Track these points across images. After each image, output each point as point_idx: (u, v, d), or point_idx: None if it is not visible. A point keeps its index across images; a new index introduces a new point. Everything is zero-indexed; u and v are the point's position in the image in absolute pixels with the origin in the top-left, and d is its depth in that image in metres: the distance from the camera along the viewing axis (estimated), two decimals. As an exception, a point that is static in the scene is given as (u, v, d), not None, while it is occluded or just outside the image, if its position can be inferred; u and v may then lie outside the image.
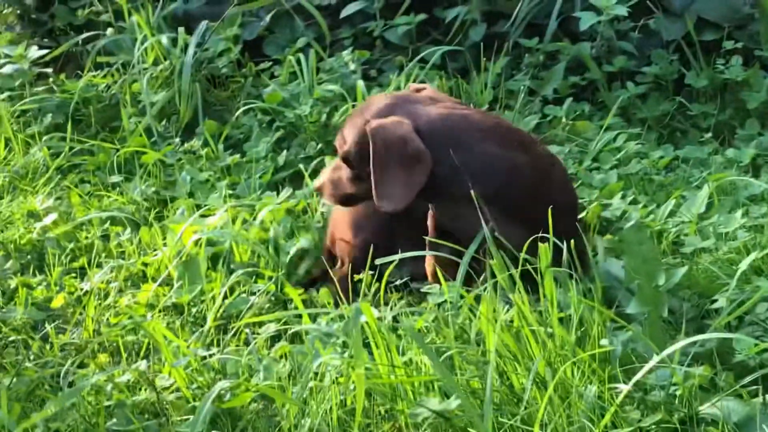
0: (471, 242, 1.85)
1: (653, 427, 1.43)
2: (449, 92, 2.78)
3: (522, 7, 2.95)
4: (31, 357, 1.89)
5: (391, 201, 1.84)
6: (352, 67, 2.99)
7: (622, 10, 2.77)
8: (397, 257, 1.78)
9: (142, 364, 1.76)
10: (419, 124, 1.87)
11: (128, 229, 2.39)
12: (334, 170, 2.01)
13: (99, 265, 2.23)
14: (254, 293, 2.02)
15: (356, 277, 2.01)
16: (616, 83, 2.85)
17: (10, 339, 1.98)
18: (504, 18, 3.04)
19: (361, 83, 2.71)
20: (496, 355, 1.57)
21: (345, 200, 2.01)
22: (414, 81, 2.83)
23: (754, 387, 1.50)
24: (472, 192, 1.82)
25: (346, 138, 1.94)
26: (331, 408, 1.56)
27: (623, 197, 2.28)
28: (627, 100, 2.77)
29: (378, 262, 1.80)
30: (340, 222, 2.16)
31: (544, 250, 1.60)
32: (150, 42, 3.10)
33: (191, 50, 3.03)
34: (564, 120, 2.69)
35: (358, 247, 2.09)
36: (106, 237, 2.40)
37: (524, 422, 1.47)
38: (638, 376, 1.41)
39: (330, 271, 2.07)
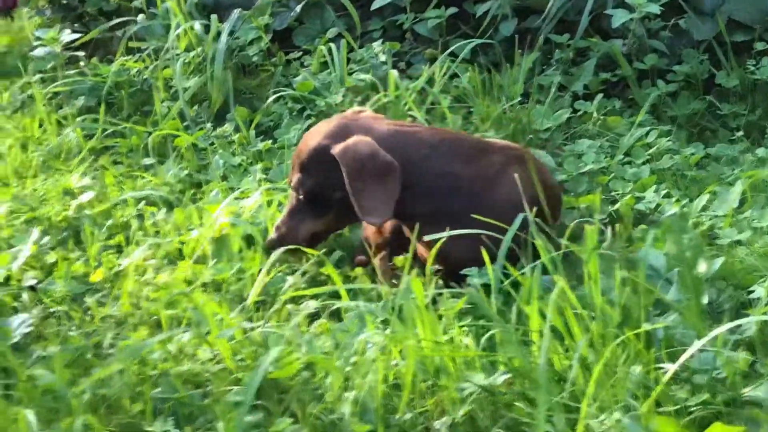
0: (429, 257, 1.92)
1: (698, 407, 1.45)
2: (480, 86, 2.80)
3: (554, 3, 2.97)
4: (73, 328, 1.91)
5: (374, 215, 1.92)
6: (383, 58, 3.01)
7: (655, 9, 2.79)
8: (444, 234, 1.79)
9: (185, 336, 1.78)
10: (376, 140, 1.95)
11: (163, 210, 2.42)
12: (289, 218, 2.05)
13: (136, 243, 2.25)
14: (292, 272, 2.04)
15: (395, 261, 2.03)
16: (646, 81, 2.87)
17: (51, 310, 2.00)
18: (535, 13, 3.07)
19: (394, 72, 2.73)
20: (538, 336, 1.60)
21: (313, 239, 2.05)
22: (445, 74, 2.85)
23: (795, 374, 1.53)
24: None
25: (300, 167, 2.01)
26: (375, 381, 1.57)
27: (656, 191, 2.30)
28: (657, 98, 2.79)
29: (427, 238, 1.81)
30: None
31: (590, 233, 1.62)
32: (183, 28, 3.13)
33: (224, 37, 3.06)
34: (595, 115, 2.71)
35: (388, 230, 2.11)
36: (140, 217, 2.42)
37: (569, 399, 1.49)
38: (685, 356, 1.43)
39: (369, 251, 2.09)
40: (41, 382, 1.64)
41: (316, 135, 2.03)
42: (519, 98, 2.74)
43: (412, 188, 1.94)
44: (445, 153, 1.98)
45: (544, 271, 1.72)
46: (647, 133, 2.58)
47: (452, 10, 3.10)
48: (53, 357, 1.72)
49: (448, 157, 1.97)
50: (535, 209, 1.83)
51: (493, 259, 1.78)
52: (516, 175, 1.92)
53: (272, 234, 2.07)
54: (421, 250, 1.98)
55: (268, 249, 2.04)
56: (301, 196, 2.04)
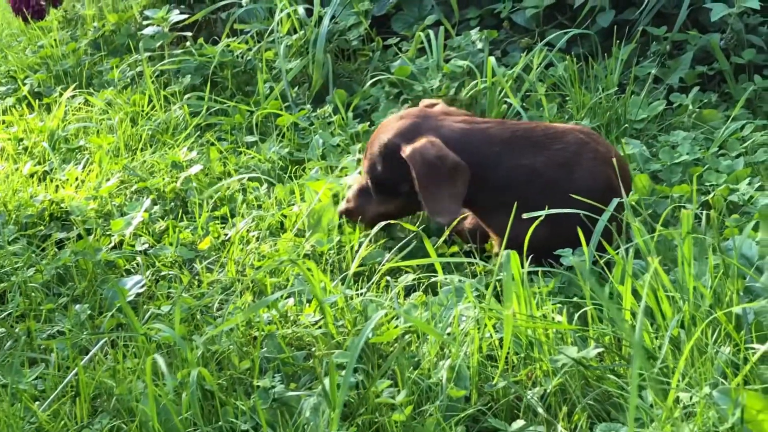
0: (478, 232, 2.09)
1: (786, 388, 1.49)
2: (576, 75, 2.85)
3: (652, -4, 3.00)
4: (184, 291, 2.02)
5: (444, 215, 2.00)
6: (480, 45, 3.07)
7: (755, 4, 2.80)
8: (543, 213, 1.85)
9: (290, 301, 1.88)
10: (445, 139, 2.03)
11: (265, 185, 2.52)
12: (359, 195, 2.18)
13: (240, 215, 2.36)
14: (389, 248, 2.12)
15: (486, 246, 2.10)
16: (743, 75, 2.88)
17: (162, 274, 2.11)
18: (632, 5, 3.10)
19: (492, 60, 2.79)
20: (629, 315, 1.65)
21: (377, 219, 2.15)
22: (541, 63, 2.90)
23: None
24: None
25: (372, 160, 2.12)
26: (471, 350, 1.65)
27: (750, 183, 2.33)
28: (753, 92, 2.80)
29: (525, 216, 1.87)
30: None
31: (686, 216, 1.67)
32: (287, 12, 3.23)
33: (326, 21, 3.15)
34: (690, 107, 2.74)
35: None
36: (244, 191, 2.53)
37: (660, 377, 1.54)
38: (776, 337, 1.47)
39: (465, 233, 2.15)
40: (157, 337, 1.75)
41: (387, 130, 2.11)
42: (615, 89, 2.78)
43: (486, 183, 2.01)
44: (516, 146, 2.03)
45: (637, 255, 1.78)
46: (742, 127, 2.60)
47: (550, 0, 3.14)
48: (169, 314, 1.83)
49: (520, 149, 2.02)
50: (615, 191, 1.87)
51: (572, 242, 1.84)
52: (592, 156, 1.98)
53: (342, 204, 2.21)
54: (494, 239, 2.07)
55: (340, 215, 2.20)
56: (370, 183, 2.14)
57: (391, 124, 2.13)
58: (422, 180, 2.00)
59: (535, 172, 2.00)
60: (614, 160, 1.99)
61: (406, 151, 2.03)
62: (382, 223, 2.12)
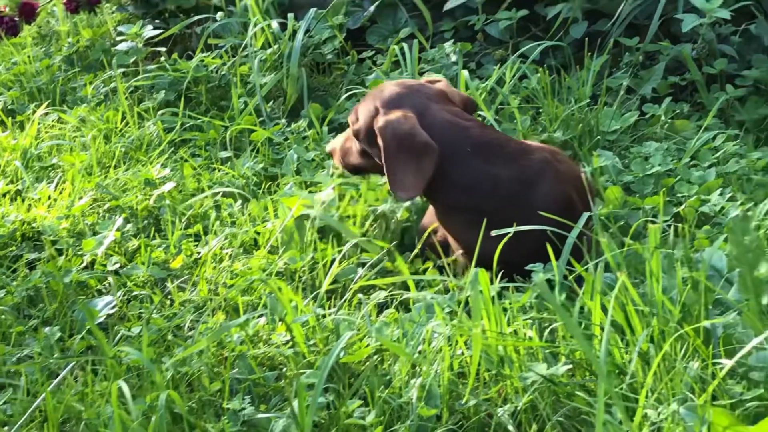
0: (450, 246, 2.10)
1: (752, 402, 1.49)
2: (549, 87, 2.85)
3: (624, 7, 3.01)
4: (155, 311, 2.01)
5: (404, 190, 2.02)
6: (454, 58, 3.08)
7: (725, 14, 2.81)
8: (511, 230, 1.85)
9: (261, 321, 1.87)
10: (424, 121, 2.04)
11: (239, 202, 2.51)
12: (346, 140, 2.23)
13: (213, 233, 2.35)
14: (362, 265, 2.12)
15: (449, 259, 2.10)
16: (715, 85, 2.90)
17: (134, 293, 2.11)
18: (605, 17, 3.11)
19: (465, 73, 2.79)
20: (599, 329, 1.65)
21: (352, 169, 2.23)
22: (514, 75, 2.91)
23: None
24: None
25: (359, 117, 2.14)
26: (441, 368, 1.65)
27: (721, 194, 2.34)
28: (726, 102, 2.82)
29: (494, 233, 1.88)
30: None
31: (654, 231, 1.67)
32: (260, 26, 3.23)
33: (300, 35, 3.15)
34: (663, 118, 2.75)
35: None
36: (217, 207, 2.52)
37: (628, 391, 1.55)
38: (742, 352, 1.48)
39: (437, 246, 2.15)
40: (127, 360, 1.74)
41: (376, 94, 2.15)
42: (587, 100, 2.79)
43: (449, 179, 2.03)
44: (489, 153, 2.04)
45: (607, 268, 1.78)
46: (714, 137, 2.61)
47: (523, 12, 3.15)
48: (138, 336, 1.82)
49: (491, 157, 2.04)
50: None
51: (530, 257, 1.85)
52: (552, 177, 2.02)
53: (333, 142, 2.30)
54: (450, 241, 2.08)
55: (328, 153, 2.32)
56: (352, 132, 2.18)
57: (382, 89, 2.16)
58: (388, 153, 2.02)
59: (499, 182, 2.02)
60: (583, 178, 2.00)
61: (379, 121, 2.04)
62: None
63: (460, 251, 2.07)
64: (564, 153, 2.25)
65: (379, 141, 2.03)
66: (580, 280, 1.83)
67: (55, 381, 1.75)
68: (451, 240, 2.10)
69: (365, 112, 2.13)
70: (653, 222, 1.79)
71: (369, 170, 2.22)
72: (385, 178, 2.08)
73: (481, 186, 2.02)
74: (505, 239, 1.88)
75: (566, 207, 2.00)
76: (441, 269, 2.13)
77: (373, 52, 3.31)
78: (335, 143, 2.27)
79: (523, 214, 1.95)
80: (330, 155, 2.31)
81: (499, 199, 2.02)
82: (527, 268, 1.92)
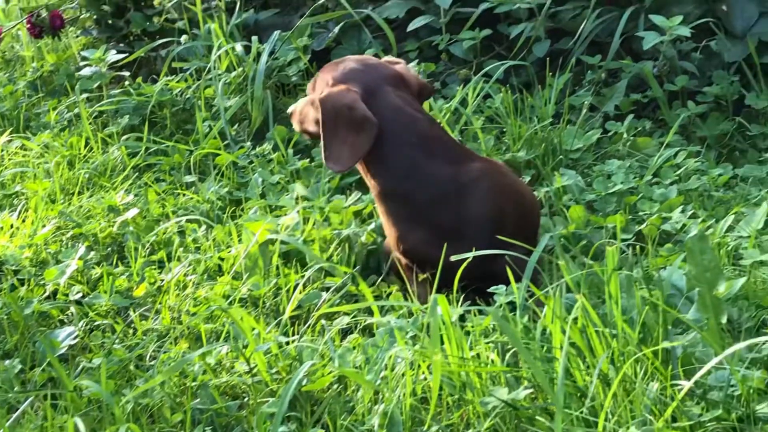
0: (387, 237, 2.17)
1: (712, 423, 1.50)
2: (513, 106, 2.86)
3: (586, 25, 3.03)
4: (117, 340, 2.00)
5: (337, 162, 2.04)
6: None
7: (685, 31, 2.84)
8: (470, 255, 1.86)
9: (223, 349, 1.87)
10: (373, 100, 2.06)
11: (203, 227, 2.50)
12: (305, 105, 2.22)
13: (177, 259, 2.34)
14: (326, 289, 2.12)
15: (420, 276, 2.10)
16: (676, 102, 2.92)
17: (96, 323, 2.09)
18: (567, 35, 3.13)
19: (428, 94, 2.79)
20: (560, 352, 1.66)
21: (307, 134, 2.24)
22: (478, 95, 2.92)
23: (810, 392, 1.58)
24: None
25: (316, 87, 2.18)
26: (404, 395, 1.64)
27: (683, 211, 2.35)
28: (687, 118, 2.84)
29: (453, 258, 1.88)
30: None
31: (611, 254, 1.68)
32: (225, 49, 3.23)
33: (264, 58, 3.15)
34: (625, 136, 2.77)
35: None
36: (182, 233, 2.51)
37: (589, 414, 1.55)
38: (700, 374, 1.49)
39: (400, 269, 2.16)
40: (87, 393, 1.73)
41: (333, 66, 2.18)
42: (550, 119, 2.80)
43: (388, 163, 2.06)
44: (433, 149, 2.07)
45: (570, 289, 1.79)
46: (676, 154, 2.63)
47: (486, 31, 3.17)
48: (99, 368, 1.81)
49: (434, 154, 2.06)
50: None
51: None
52: (488, 186, 2.05)
53: (295, 104, 2.28)
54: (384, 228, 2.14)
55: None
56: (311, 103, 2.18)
57: (340, 62, 2.18)
58: (327, 124, 2.04)
59: (433, 180, 2.05)
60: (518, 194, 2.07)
61: (323, 93, 2.08)
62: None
63: (393, 239, 2.10)
64: (509, 168, 2.27)
65: (318, 113, 2.07)
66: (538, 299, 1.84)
67: (14, 416, 1.74)
68: (384, 227, 2.14)
69: (321, 83, 2.17)
70: (610, 244, 1.80)
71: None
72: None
73: (415, 178, 2.05)
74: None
75: (496, 220, 2.03)
76: (405, 293, 2.13)
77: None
78: (296, 106, 2.27)
79: (451, 217, 2.01)
80: (290, 116, 2.32)
81: (430, 197, 2.04)
82: (490, 290, 1.92)
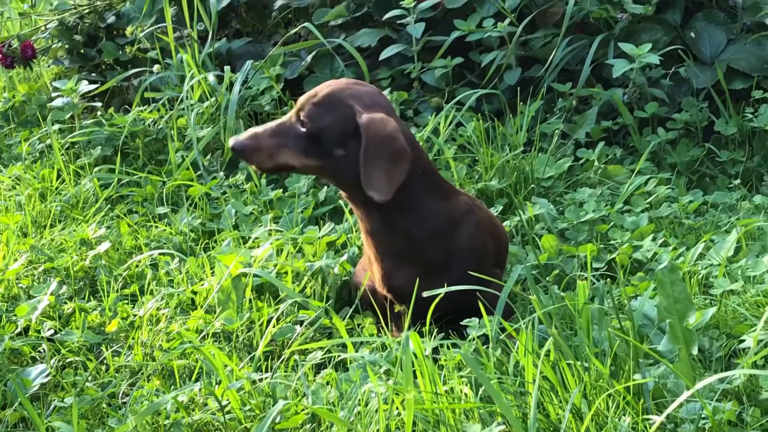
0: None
1: (684, 457, 1.51)
2: (484, 134, 2.88)
3: (556, 53, 3.06)
4: (89, 378, 1.99)
5: (378, 191, 1.93)
6: (391, 107, 3.09)
7: (654, 59, 2.86)
8: (443, 290, 1.87)
9: (196, 387, 1.86)
10: (400, 128, 2.00)
11: (176, 260, 2.50)
12: (272, 135, 2.00)
13: (150, 293, 2.33)
14: (300, 322, 2.12)
15: (396, 308, 2.11)
16: (647, 129, 2.95)
17: (68, 360, 2.08)
18: (538, 63, 3.15)
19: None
20: (532, 386, 1.66)
21: (278, 169, 2.02)
22: (450, 123, 2.93)
23: (781, 423, 1.59)
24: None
25: (322, 115, 1.96)
26: (378, 431, 1.64)
27: (654, 239, 2.37)
28: (658, 145, 2.86)
29: (425, 294, 1.89)
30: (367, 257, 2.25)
31: (582, 288, 1.69)
32: (197, 79, 3.23)
33: (237, 88, 3.15)
34: (596, 163, 2.79)
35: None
36: (155, 266, 2.50)
37: (561, 450, 1.55)
38: (671, 408, 1.49)
39: (373, 301, 2.16)
40: (59, 433, 1.72)
41: (346, 88, 2.00)
42: (522, 147, 2.82)
43: (396, 198, 1.97)
44: (431, 182, 2.05)
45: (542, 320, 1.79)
46: (647, 181, 2.65)
47: (458, 59, 3.18)
48: (70, 408, 1.80)
49: (432, 187, 2.04)
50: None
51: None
52: (475, 220, 2.06)
53: (244, 137, 2.00)
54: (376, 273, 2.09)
55: (232, 149, 2.00)
56: (303, 128, 1.98)
57: (349, 84, 2.02)
58: (370, 151, 1.92)
59: (433, 217, 2.03)
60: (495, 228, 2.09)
61: (363, 117, 1.94)
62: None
63: (377, 277, 2.07)
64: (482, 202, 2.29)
65: (362, 139, 1.92)
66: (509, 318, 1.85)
67: (-15, 458, 1.72)
68: (370, 264, 2.09)
69: (332, 102, 1.97)
70: (580, 279, 1.81)
71: (305, 171, 2.07)
72: (330, 176, 2.02)
73: (416, 214, 2.01)
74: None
75: (481, 252, 2.05)
76: (379, 326, 2.13)
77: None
78: (247, 139, 1.99)
79: (442, 252, 2.01)
80: (239, 153, 1.99)
81: (428, 232, 2.02)
82: (462, 323, 1.93)
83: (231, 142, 2.00)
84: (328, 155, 1.98)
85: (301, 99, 2.03)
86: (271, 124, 2.02)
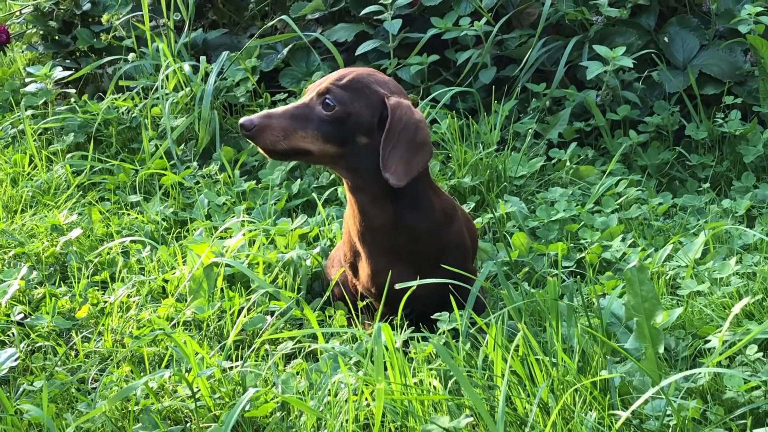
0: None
1: (648, 452, 1.53)
2: (458, 132, 2.90)
3: (531, 53, 3.08)
4: (59, 363, 1.98)
5: (395, 175, 1.88)
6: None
7: (628, 62, 2.89)
8: (415, 283, 1.88)
9: (166, 374, 1.86)
10: None
11: (147, 248, 2.50)
12: (290, 117, 1.90)
13: (121, 280, 2.33)
14: (271, 313, 2.12)
15: (361, 303, 2.12)
16: (618, 131, 2.98)
17: (38, 345, 2.07)
18: (513, 63, 3.18)
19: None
20: (501, 380, 1.68)
21: (290, 153, 1.92)
22: (426, 118, 2.95)
23: (743, 422, 1.62)
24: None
25: (351, 99, 1.89)
26: (347, 421, 1.65)
27: (623, 240, 2.40)
28: (629, 147, 2.89)
29: (398, 286, 1.90)
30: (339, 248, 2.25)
31: (552, 284, 1.71)
32: (173, 69, 3.22)
33: (212, 78, 3.15)
34: (568, 164, 2.81)
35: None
36: (126, 253, 2.50)
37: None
38: (637, 404, 1.52)
39: (345, 294, 2.17)
40: (28, 416, 1.71)
41: (374, 75, 1.95)
42: (495, 146, 2.84)
43: (406, 193, 1.96)
44: (428, 178, 2.04)
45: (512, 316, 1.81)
46: (617, 183, 2.68)
47: (434, 57, 3.20)
48: (40, 391, 1.80)
49: (429, 182, 2.04)
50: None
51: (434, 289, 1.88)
52: (462, 216, 2.07)
53: (256, 117, 1.89)
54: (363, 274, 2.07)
55: (240, 126, 1.89)
56: (327, 112, 1.89)
57: (371, 72, 1.97)
58: (393, 134, 1.87)
59: (432, 210, 2.01)
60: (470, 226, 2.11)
61: (392, 100, 1.88)
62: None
63: (365, 276, 2.03)
64: None
65: (388, 120, 1.86)
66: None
67: (-47, 440, 1.72)
68: (360, 263, 2.06)
69: (361, 87, 1.91)
70: (550, 276, 1.83)
71: (319, 158, 1.93)
72: (342, 166, 1.94)
73: (420, 209, 1.99)
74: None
75: (467, 247, 2.06)
76: (350, 318, 2.14)
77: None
78: (262, 120, 1.87)
79: (436, 247, 1.99)
80: (250, 132, 1.87)
81: (428, 228, 1.99)
82: (433, 317, 1.94)
83: (241, 120, 1.89)
84: (350, 142, 1.91)
85: (322, 82, 1.93)
86: (288, 106, 1.92)
